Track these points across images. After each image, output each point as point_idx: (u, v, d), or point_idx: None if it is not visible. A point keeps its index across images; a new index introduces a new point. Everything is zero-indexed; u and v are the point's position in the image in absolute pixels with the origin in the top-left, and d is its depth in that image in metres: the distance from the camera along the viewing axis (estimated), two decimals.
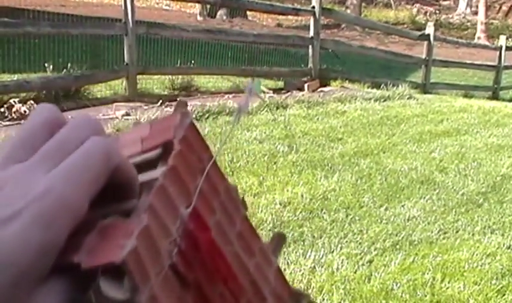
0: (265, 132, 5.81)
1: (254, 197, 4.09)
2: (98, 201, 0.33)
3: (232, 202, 0.43)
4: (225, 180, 0.42)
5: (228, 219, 0.40)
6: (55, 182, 0.31)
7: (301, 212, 3.90)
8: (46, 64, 7.17)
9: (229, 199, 0.42)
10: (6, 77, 6.99)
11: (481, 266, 3.38)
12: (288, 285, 0.45)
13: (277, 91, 8.80)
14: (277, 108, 7.01)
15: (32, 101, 5.94)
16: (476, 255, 3.51)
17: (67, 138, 0.34)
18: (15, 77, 6.91)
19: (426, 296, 2.99)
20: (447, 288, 3.08)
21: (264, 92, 8.59)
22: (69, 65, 7.24)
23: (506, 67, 13.70)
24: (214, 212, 0.38)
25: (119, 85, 7.66)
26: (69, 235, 0.31)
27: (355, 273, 3.16)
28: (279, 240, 0.51)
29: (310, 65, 9.54)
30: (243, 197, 0.44)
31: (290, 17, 18.12)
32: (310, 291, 2.92)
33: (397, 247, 3.55)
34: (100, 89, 7.54)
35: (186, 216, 0.35)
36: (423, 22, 21.30)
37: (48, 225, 0.29)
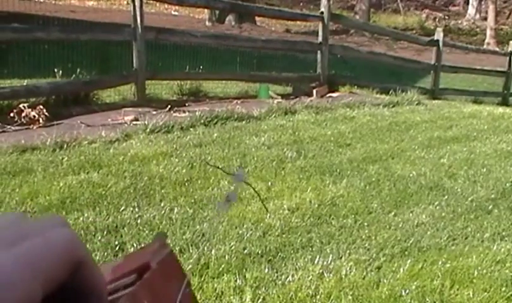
0: (273, 138, 5.81)
1: (262, 202, 4.08)
2: None
3: None
4: None
5: None
6: (6, 261, 0.27)
7: (309, 218, 3.89)
8: (55, 69, 7.20)
9: None
10: (16, 83, 7.03)
11: (490, 273, 3.35)
12: None
13: (285, 96, 8.80)
14: (286, 113, 7.00)
15: (41, 107, 5.97)
16: (486, 262, 3.48)
17: (30, 226, 0.31)
18: (25, 82, 6.96)
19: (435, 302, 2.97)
20: (457, 295, 3.06)
21: (272, 98, 8.59)
22: (78, 70, 7.27)
23: None
24: None
25: (128, 90, 7.69)
26: None
27: (363, 279, 3.14)
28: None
29: (319, 70, 9.54)
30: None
31: (299, 22, 18.14)
32: (317, 297, 2.91)
33: (406, 253, 3.53)
34: (109, 95, 7.57)
35: None
36: (432, 28, 21.24)
37: None
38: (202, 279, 2.89)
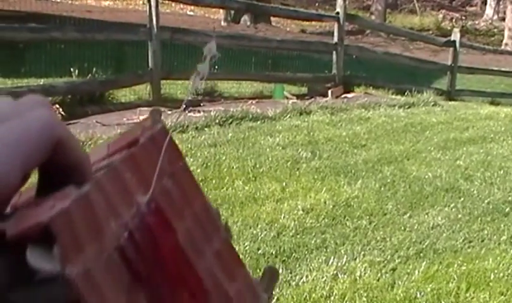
0: (288, 138, 5.80)
1: (276, 203, 4.08)
2: (45, 186, 0.31)
3: (211, 220, 0.40)
4: (204, 197, 0.40)
5: (203, 234, 0.37)
6: None
7: (323, 218, 3.87)
8: (72, 69, 7.25)
9: (207, 216, 0.39)
10: (33, 82, 7.08)
11: (507, 276, 3.32)
12: None
13: (300, 97, 8.78)
14: (301, 114, 6.99)
15: (57, 106, 6.01)
16: (503, 265, 3.45)
17: (10, 108, 0.31)
18: (41, 81, 7.00)
19: None
20: (472, 298, 3.03)
21: (287, 98, 8.58)
22: (94, 70, 7.31)
23: None
24: (183, 218, 0.36)
25: (143, 90, 7.72)
26: None
27: (378, 280, 3.12)
28: (272, 276, 0.47)
29: (334, 71, 9.51)
30: (226, 222, 0.42)
31: (314, 23, 18.10)
32: (331, 298, 2.90)
33: (421, 255, 3.50)
34: (124, 94, 7.60)
35: (143, 204, 0.33)
36: (449, 28, 21.10)
37: None
38: None
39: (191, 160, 4.84)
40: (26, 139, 0.29)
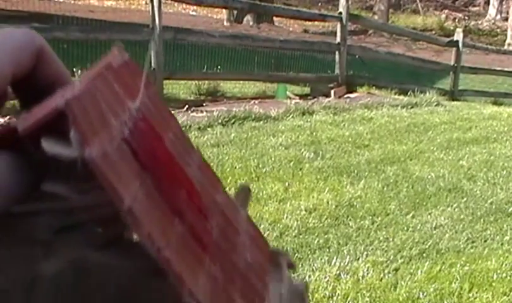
0: (291, 138, 5.80)
1: (279, 203, 4.08)
2: (28, 104, 0.31)
3: (187, 139, 0.42)
4: (177, 121, 0.41)
5: (184, 148, 0.39)
6: None
7: (326, 219, 3.87)
8: (74, 69, 7.26)
9: (183, 135, 0.41)
10: None
11: (510, 276, 3.31)
12: (263, 237, 0.45)
13: (303, 97, 8.78)
14: (303, 114, 6.98)
15: None
16: (506, 265, 3.45)
17: None
18: None
19: None
20: (475, 298, 3.03)
21: (290, 98, 8.58)
22: None
23: None
24: (166, 131, 0.37)
25: None
26: None
27: (381, 280, 3.12)
28: (246, 193, 0.50)
29: (337, 71, 9.50)
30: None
31: (317, 23, 18.09)
32: (334, 298, 2.90)
33: (424, 255, 3.50)
34: None
35: (133, 109, 0.33)
36: (452, 28, 21.07)
37: None
38: None
39: None
40: (12, 42, 0.29)
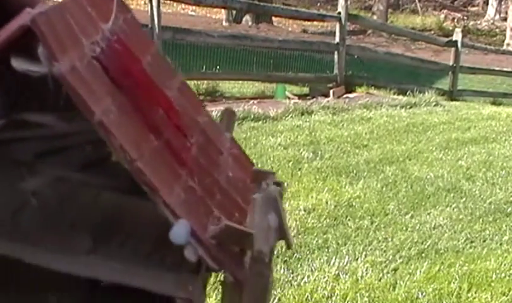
0: (289, 138, 5.79)
1: None
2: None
3: (167, 65, 0.42)
4: (156, 46, 0.42)
5: (163, 72, 0.39)
6: None
7: (325, 219, 3.87)
8: None
9: (162, 60, 0.42)
10: None
11: (509, 276, 3.32)
12: (248, 157, 0.47)
13: (302, 97, 8.78)
14: (302, 114, 6.98)
15: None
16: (504, 265, 3.45)
17: None
18: None
19: None
20: (474, 298, 3.03)
21: (289, 98, 8.58)
22: None
23: None
24: (143, 55, 0.38)
25: None
26: None
27: (380, 280, 3.12)
28: (229, 116, 0.52)
29: (336, 71, 9.51)
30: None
31: (316, 23, 18.09)
32: (333, 298, 2.90)
33: (423, 255, 3.50)
34: None
35: (107, 31, 0.33)
36: (451, 28, 21.07)
37: None
38: (218, 279, 2.88)
39: None
40: None
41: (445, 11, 28.72)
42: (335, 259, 3.30)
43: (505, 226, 4.09)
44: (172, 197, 0.43)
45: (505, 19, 25.59)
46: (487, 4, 28.86)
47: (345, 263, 3.27)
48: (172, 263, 0.77)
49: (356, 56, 10.49)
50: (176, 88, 0.41)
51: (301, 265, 3.20)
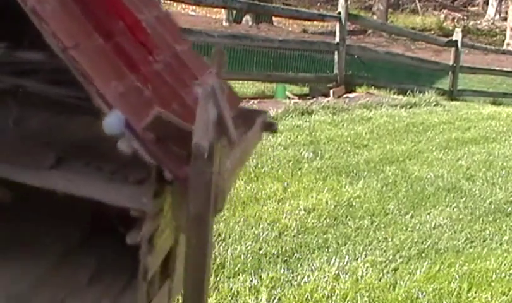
0: (289, 138, 5.79)
1: (278, 203, 4.08)
2: None
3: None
4: None
5: (143, 2, 0.40)
6: None
7: (325, 218, 3.87)
8: None
9: None
10: None
11: (509, 276, 3.32)
12: (237, 95, 0.47)
13: (302, 97, 8.78)
14: (302, 114, 6.98)
15: None
16: (505, 265, 3.45)
17: None
18: None
19: None
20: (474, 298, 3.03)
21: (289, 98, 8.58)
22: None
23: None
24: None
25: None
26: None
27: (380, 280, 3.12)
28: (220, 55, 0.52)
29: (336, 71, 9.50)
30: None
31: (316, 23, 18.10)
32: (333, 298, 2.90)
33: (423, 255, 3.50)
34: None
35: None
36: (451, 28, 21.06)
37: None
38: (218, 278, 2.89)
39: None
40: None
41: (445, 11, 28.70)
42: (335, 258, 3.30)
43: (505, 226, 4.10)
44: (108, 88, 0.44)
45: (505, 19, 25.57)
46: (487, 4, 28.85)
47: (345, 263, 3.27)
48: (133, 181, 0.82)
49: (356, 56, 10.49)
50: (153, 16, 0.43)
51: (301, 265, 3.20)
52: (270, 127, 0.79)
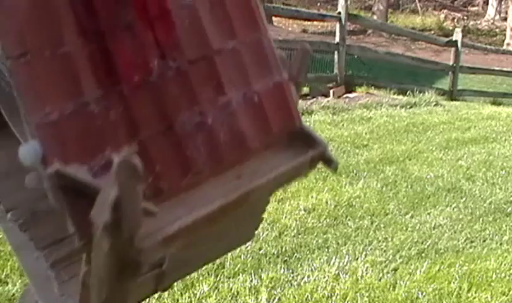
0: None
1: (278, 203, 4.08)
2: None
3: None
4: None
5: None
6: None
7: (325, 218, 3.87)
8: None
9: None
10: None
11: (509, 276, 3.32)
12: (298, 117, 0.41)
13: (302, 97, 8.77)
14: (302, 114, 6.96)
15: None
16: (504, 265, 3.45)
17: None
18: None
19: None
20: (474, 298, 3.03)
21: None
22: None
23: None
24: None
25: None
26: None
27: (380, 280, 3.12)
28: (303, 55, 0.46)
29: (336, 71, 9.50)
30: None
31: (316, 23, 18.10)
32: (333, 298, 2.90)
33: (423, 255, 3.50)
34: None
35: None
36: (451, 28, 21.08)
37: None
38: (218, 279, 2.89)
39: None
40: None
41: (445, 10, 28.72)
42: (335, 259, 3.31)
43: (505, 226, 4.10)
44: (37, 114, 0.36)
45: (505, 19, 25.58)
46: (487, 4, 28.86)
47: (345, 263, 3.27)
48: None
49: (356, 56, 10.49)
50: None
51: (301, 265, 3.20)
52: (329, 164, 0.57)
